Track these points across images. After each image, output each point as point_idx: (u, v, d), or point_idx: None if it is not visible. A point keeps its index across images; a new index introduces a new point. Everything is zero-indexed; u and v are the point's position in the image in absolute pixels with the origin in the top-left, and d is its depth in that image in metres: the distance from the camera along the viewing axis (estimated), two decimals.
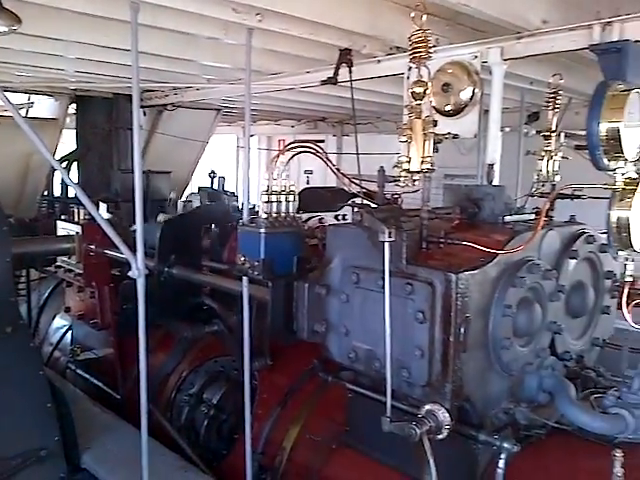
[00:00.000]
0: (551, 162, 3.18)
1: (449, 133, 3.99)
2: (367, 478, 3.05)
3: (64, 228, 5.31)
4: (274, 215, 3.06)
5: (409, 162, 2.49)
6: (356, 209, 2.86)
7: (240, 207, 5.60)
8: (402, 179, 2.55)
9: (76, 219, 5.24)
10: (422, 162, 2.48)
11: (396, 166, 2.55)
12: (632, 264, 2.79)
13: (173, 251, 4.37)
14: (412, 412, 2.45)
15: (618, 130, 2.56)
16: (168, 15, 4.60)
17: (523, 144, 7.04)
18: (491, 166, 4.18)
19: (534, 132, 3.33)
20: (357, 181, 3.34)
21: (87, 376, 5.00)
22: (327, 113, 11.18)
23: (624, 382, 2.47)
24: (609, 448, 2.21)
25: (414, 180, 2.54)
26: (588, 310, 3.06)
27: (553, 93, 3.16)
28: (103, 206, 5.73)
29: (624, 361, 2.51)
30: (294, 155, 3.13)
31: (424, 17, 2.44)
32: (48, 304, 6.24)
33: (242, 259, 3.10)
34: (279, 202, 3.08)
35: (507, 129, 6.77)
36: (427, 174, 2.53)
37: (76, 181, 8.62)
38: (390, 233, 2.34)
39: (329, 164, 3.26)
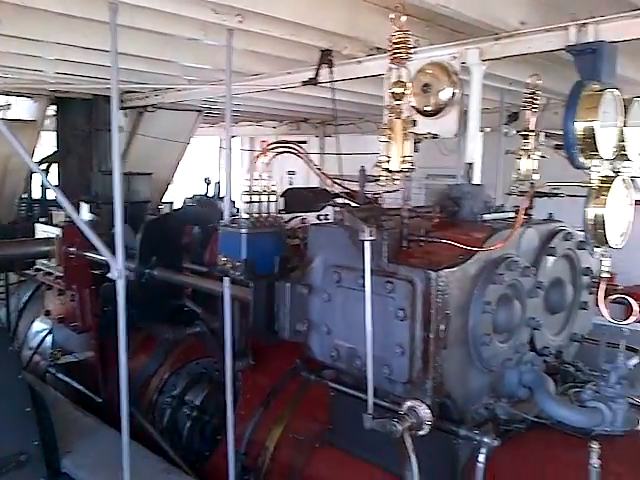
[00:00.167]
0: (529, 161, 3.22)
1: (429, 133, 4.03)
2: (350, 476, 3.06)
3: (44, 231, 5.25)
4: (255, 215, 3.06)
5: (389, 162, 2.51)
6: (337, 209, 2.88)
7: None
8: (382, 179, 2.57)
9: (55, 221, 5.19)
10: (402, 162, 2.49)
11: (376, 166, 2.57)
12: (608, 260, 2.84)
13: (154, 253, 4.35)
14: (394, 409, 2.46)
15: (593, 129, 2.61)
16: (146, 16, 4.57)
17: (504, 144, 7.11)
18: (470, 165, 4.22)
19: (514, 132, 3.36)
20: (339, 181, 3.35)
21: (68, 380, 4.95)
22: (309, 114, 11.19)
23: (602, 376, 2.50)
24: (586, 440, 2.24)
25: (394, 179, 2.56)
26: (566, 306, 3.11)
27: (531, 93, 3.20)
28: (85, 206, 5.61)
29: (602, 356, 2.54)
30: (275, 155, 3.14)
31: (403, 18, 2.46)
32: (27, 308, 6.14)
33: (224, 259, 3.10)
34: (260, 202, 3.08)
35: (488, 129, 6.84)
36: (407, 173, 2.55)
37: (56, 183, 8.51)
38: (371, 232, 2.35)
39: (310, 164, 3.27)
